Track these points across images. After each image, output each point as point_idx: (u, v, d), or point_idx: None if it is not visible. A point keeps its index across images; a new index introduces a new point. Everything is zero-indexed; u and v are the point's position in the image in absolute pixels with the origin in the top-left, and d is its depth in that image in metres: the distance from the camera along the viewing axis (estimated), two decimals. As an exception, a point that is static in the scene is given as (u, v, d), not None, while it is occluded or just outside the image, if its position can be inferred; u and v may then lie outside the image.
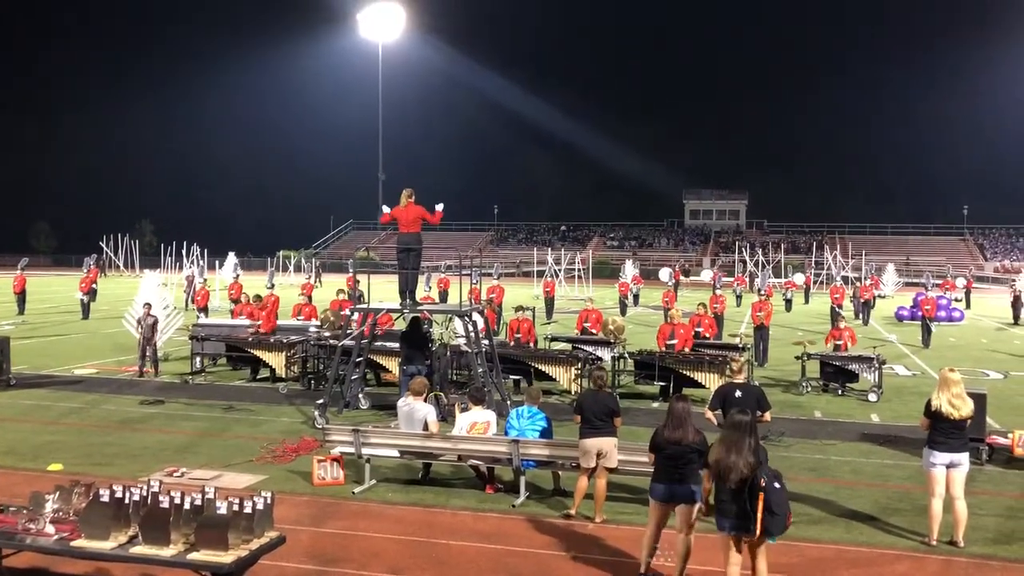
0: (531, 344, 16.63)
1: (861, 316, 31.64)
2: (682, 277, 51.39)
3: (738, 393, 9.18)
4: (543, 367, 15.51)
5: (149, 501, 6.10)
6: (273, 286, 22.61)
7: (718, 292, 25.23)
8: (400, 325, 15.61)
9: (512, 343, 16.58)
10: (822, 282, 52.64)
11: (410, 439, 9.86)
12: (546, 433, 9.71)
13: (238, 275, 33.67)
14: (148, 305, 18.04)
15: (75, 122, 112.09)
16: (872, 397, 15.52)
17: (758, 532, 6.30)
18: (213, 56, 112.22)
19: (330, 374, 14.12)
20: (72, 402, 14.71)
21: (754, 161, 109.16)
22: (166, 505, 5.97)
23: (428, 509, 9.17)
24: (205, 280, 31.25)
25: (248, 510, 6.03)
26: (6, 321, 28.02)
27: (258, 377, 17.09)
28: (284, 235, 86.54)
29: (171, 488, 6.41)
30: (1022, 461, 10.98)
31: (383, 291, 19.02)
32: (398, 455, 10.04)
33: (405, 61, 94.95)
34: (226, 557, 5.76)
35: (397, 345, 14.63)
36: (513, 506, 9.23)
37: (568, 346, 17.16)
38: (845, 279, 42.18)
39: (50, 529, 6.19)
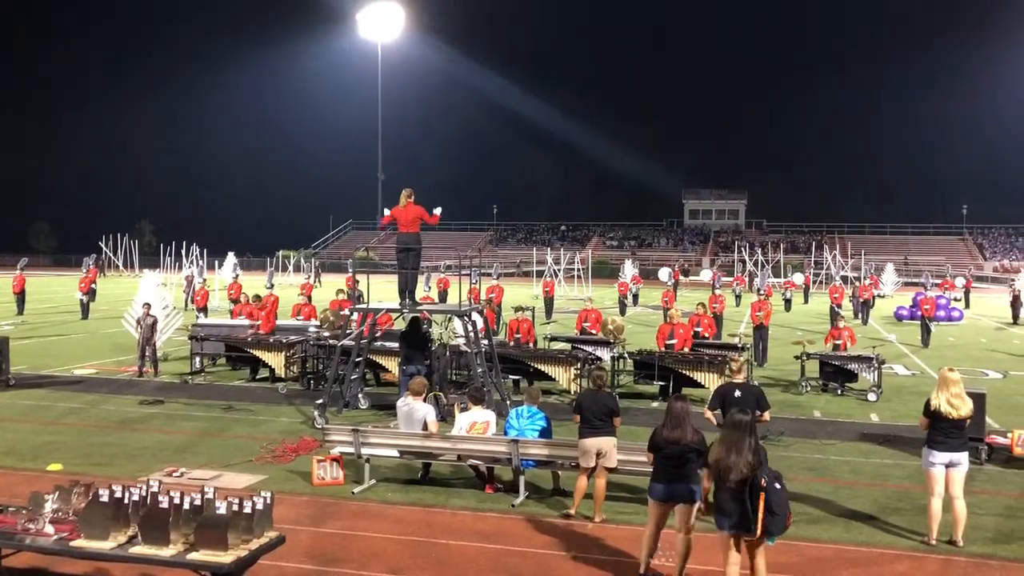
0: (531, 344, 16.63)
1: (860, 316, 31.65)
2: (681, 277, 51.42)
3: (737, 393, 9.19)
4: (542, 367, 15.51)
5: (148, 501, 6.10)
6: (272, 286, 22.60)
7: (717, 292, 25.23)
8: (399, 325, 15.61)
9: (512, 343, 16.58)
10: (821, 282, 52.64)
11: (409, 439, 9.86)
12: (545, 433, 9.71)
13: (237, 275, 33.65)
14: (147, 305, 18.03)
15: (75, 122, 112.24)
16: (871, 397, 15.53)
17: (759, 532, 6.30)
18: (213, 56, 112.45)
19: (329, 374, 14.12)
20: (71, 402, 14.71)
21: (753, 161, 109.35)
22: (165, 505, 5.97)
23: (428, 509, 9.17)
24: (204, 280, 31.24)
25: (248, 510, 6.03)
26: (5, 321, 28.01)
27: (257, 377, 17.09)
28: (283, 235, 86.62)
29: (171, 488, 6.41)
30: (1021, 461, 10.99)
31: (382, 291, 19.02)
32: (398, 455, 10.05)
33: (404, 61, 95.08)
34: (226, 557, 5.76)
35: (396, 345, 14.63)
36: (513, 506, 9.23)
37: (567, 346, 17.16)
38: (844, 279, 42.20)
39: (49, 529, 6.19)
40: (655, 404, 14.74)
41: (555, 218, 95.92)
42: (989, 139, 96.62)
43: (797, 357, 16.53)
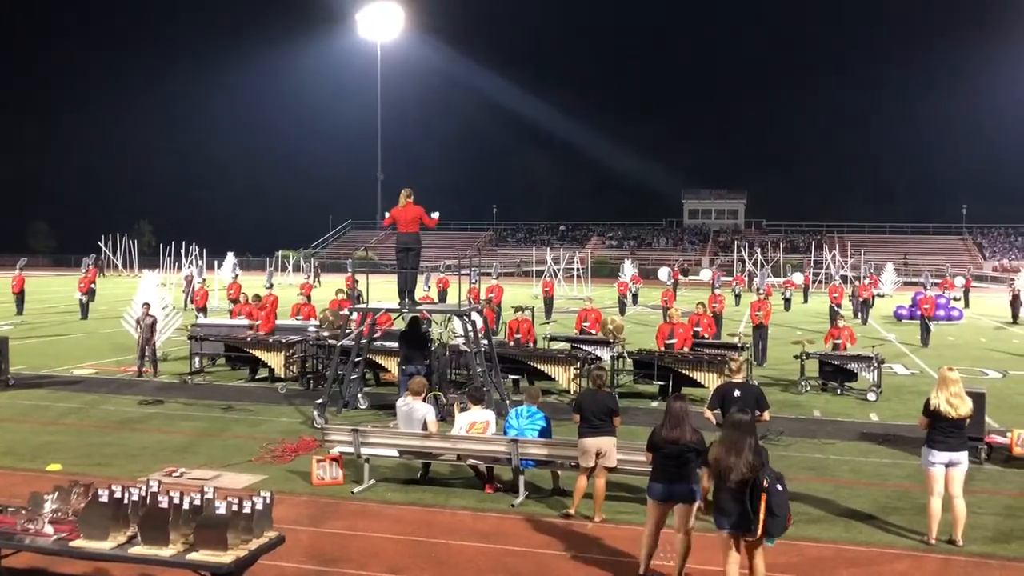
0: (530, 344, 16.62)
1: (860, 315, 31.65)
2: (681, 276, 51.42)
3: (737, 392, 9.18)
4: (542, 367, 15.51)
5: (148, 501, 6.09)
6: (272, 286, 22.59)
7: (717, 291, 25.22)
8: (399, 325, 15.61)
9: (511, 343, 16.58)
10: (821, 281, 52.65)
11: (409, 439, 9.86)
12: (545, 433, 9.70)
13: (237, 275, 33.66)
14: (147, 305, 18.03)
15: (75, 122, 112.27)
16: (871, 396, 15.53)
17: (759, 533, 6.30)
18: (213, 56, 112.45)
19: (329, 374, 14.12)
20: (71, 402, 14.71)
21: (753, 161, 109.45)
22: (165, 505, 5.97)
23: (427, 509, 9.17)
24: (204, 280, 31.23)
25: (247, 510, 6.02)
26: (5, 321, 28.00)
27: (257, 377, 17.09)
28: (283, 235, 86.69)
29: (170, 488, 6.41)
30: (1021, 460, 10.99)
31: (382, 291, 19.02)
32: (397, 455, 10.04)
33: (404, 61, 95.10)
34: (225, 557, 5.76)
35: (396, 345, 14.62)
36: (512, 505, 9.23)
37: (567, 346, 17.16)
38: (844, 278, 42.19)
39: (49, 529, 6.19)
40: (655, 404, 14.73)
41: (554, 218, 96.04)
42: (989, 139, 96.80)
43: (797, 356, 16.53)
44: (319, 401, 13.10)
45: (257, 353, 16.73)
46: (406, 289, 13.57)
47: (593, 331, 17.69)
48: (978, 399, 10.38)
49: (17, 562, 6.77)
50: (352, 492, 9.61)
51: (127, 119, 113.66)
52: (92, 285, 31.16)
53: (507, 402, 13.05)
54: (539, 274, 48.28)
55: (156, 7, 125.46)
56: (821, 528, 8.64)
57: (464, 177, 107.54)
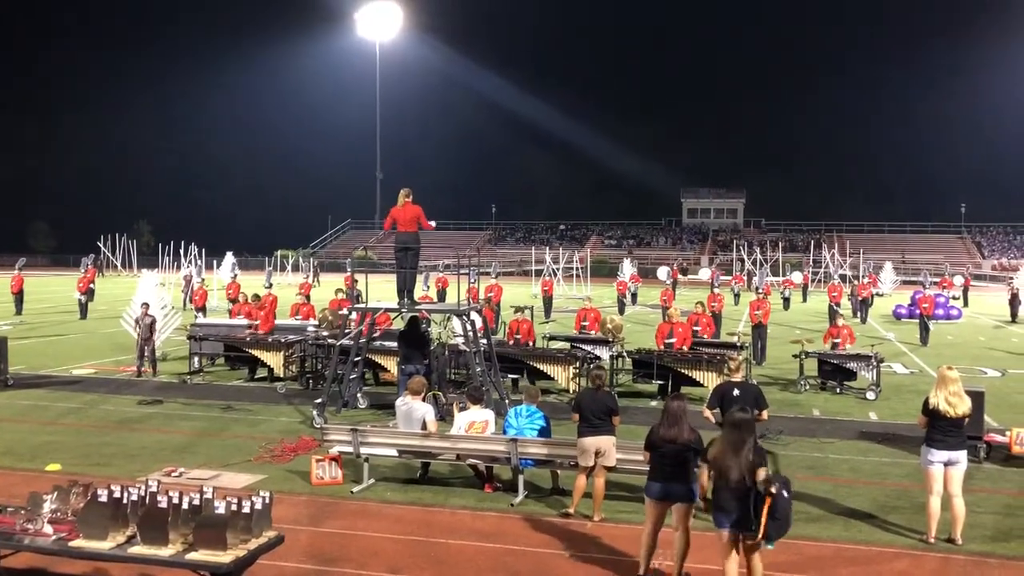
0: (530, 344, 16.62)
1: (859, 314, 31.65)
2: (680, 276, 51.42)
3: (736, 392, 9.19)
4: (541, 366, 15.52)
5: (147, 501, 6.09)
6: (271, 285, 22.58)
7: (716, 291, 25.21)
8: (398, 324, 15.61)
9: (511, 343, 16.57)
10: (820, 280, 52.65)
11: (408, 438, 9.86)
12: (544, 432, 9.70)
13: (236, 275, 33.67)
14: (146, 305, 18.03)
15: (75, 122, 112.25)
16: (870, 395, 15.53)
17: (760, 536, 6.30)
18: (212, 56, 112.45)
19: (328, 374, 14.12)
20: (70, 402, 14.70)
21: (753, 161, 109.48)
22: (164, 505, 5.97)
23: (427, 508, 9.17)
24: (203, 280, 31.25)
25: (246, 510, 6.02)
26: (4, 321, 27.99)
27: (256, 377, 17.08)
28: (282, 234, 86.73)
29: (169, 488, 6.41)
30: (1020, 459, 10.99)
31: (381, 290, 19.02)
32: (396, 454, 10.04)
33: (403, 60, 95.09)
34: (224, 557, 5.76)
35: (395, 344, 14.62)
36: (512, 505, 9.23)
37: (566, 345, 17.16)
38: (843, 277, 42.17)
39: (48, 529, 6.18)
40: (654, 403, 14.74)
41: (554, 217, 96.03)
42: (988, 138, 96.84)
43: (796, 356, 16.54)
44: (318, 401, 13.10)
45: (256, 353, 16.72)
46: (405, 289, 13.57)
47: (592, 330, 17.70)
48: (977, 398, 10.39)
49: (16, 562, 6.77)
50: (351, 492, 9.61)
51: (127, 119, 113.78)
52: (91, 285, 31.16)
53: (506, 401, 13.05)
54: (538, 273, 48.29)
55: (156, 7, 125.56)
56: (820, 527, 8.65)
57: (463, 176, 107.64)
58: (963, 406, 8.17)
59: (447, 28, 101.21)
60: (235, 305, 21.79)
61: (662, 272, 44.56)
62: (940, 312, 30.59)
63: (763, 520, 6.23)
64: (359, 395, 14.35)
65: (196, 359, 17.67)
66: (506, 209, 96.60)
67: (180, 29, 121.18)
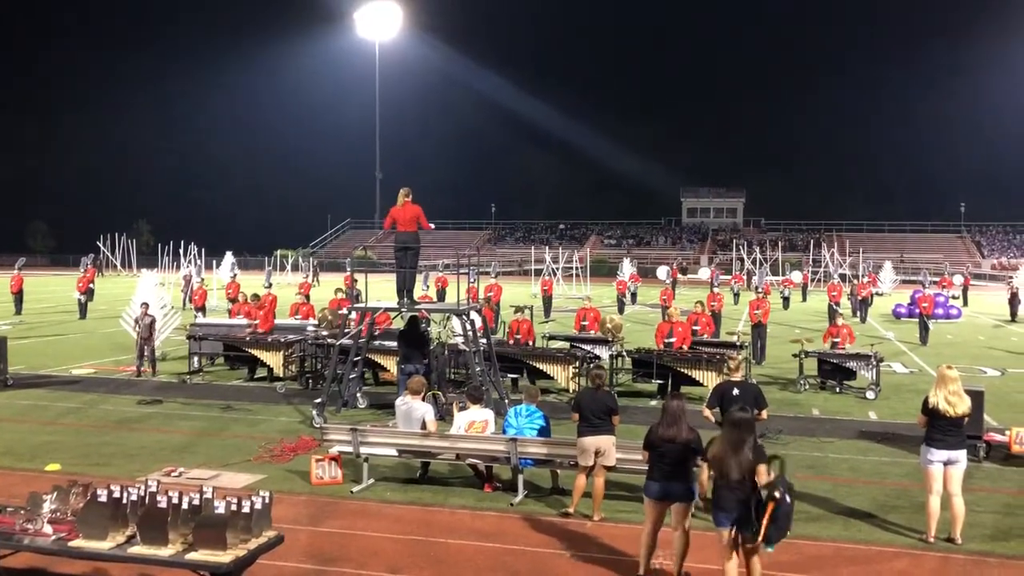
0: (529, 343, 16.62)
1: (859, 314, 31.66)
2: (680, 275, 51.42)
3: (736, 391, 9.18)
4: (541, 365, 15.51)
5: (147, 501, 6.09)
6: (271, 285, 22.58)
7: (716, 290, 25.22)
8: (398, 324, 15.60)
9: (511, 343, 16.57)
10: (819, 280, 52.66)
11: (408, 438, 9.86)
12: (544, 431, 9.70)
13: (235, 274, 33.68)
14: (145, 305, 18.03)
15: (75, 122, 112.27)
16: (870, 395, 15.53)
17: (760, 539, 6.30)
18: (212, 56, 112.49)
19: (328, 373, 14.12)
20: (70, 402, 14.70)
21: (753, 160, 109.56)
22: (164, 505, 5.97)
23: (426, 508, 9.17)
24: (203, 279, 31.23)
25: (246, 510, 6.02)
26: (3, 321, 27.99)
27: (256, 376, 17.07)
28: (281, 234, 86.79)
29: (169, 488, 6.41)
30: (1019, 458, 10.99)
31: (381, 290, 19.02)
32: (396, 454, 10.04)
33: (402, 60, 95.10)
34: (224, 557, 5.76)
35: (395, 344, 14.62)
36: (511, 504, 9.23)
37: (566, 344, 17.16)
38: (843, 277, 42.20)
39: (48, 529, 6.18)
40: (653, 402, 14.73)
41: (553, 217, 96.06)
42: (987, 138, 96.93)
43: (796, 355, 16.54)
44: (318, 400, 13.10)
45: (256, 352, 16.72)
46: (405, 288, 13.57)
47: (592, 330, 17.70)
48: (977, 397, 10.40)
49: (16, 562, 6.77)
50: (351, 491, 9.61)
51: (127, 119, 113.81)
52: (91, 285, 31.15)
53: (506, 401, 13.05)
54: (538, 273, 48.29)
55: (156, 7, 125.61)
56: (820, 526, 8.65)
57: (463, 176, 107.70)
58: (963, 405, 8.17)
59: (447, 27, 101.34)
60: (235, 305, 21.79)
61: (662, 271, 44.56)
62: (940, 311, 30.59)
63: (764, 524, 6.23)
64: (359, 395, 14.35)
65: (196, 359, 17.67)
66: (506, 209, 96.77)
67: (180, 29, 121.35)
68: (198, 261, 41.01)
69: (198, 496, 6.07)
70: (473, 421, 9.93)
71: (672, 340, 15.60)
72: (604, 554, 7.88)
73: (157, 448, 11.52)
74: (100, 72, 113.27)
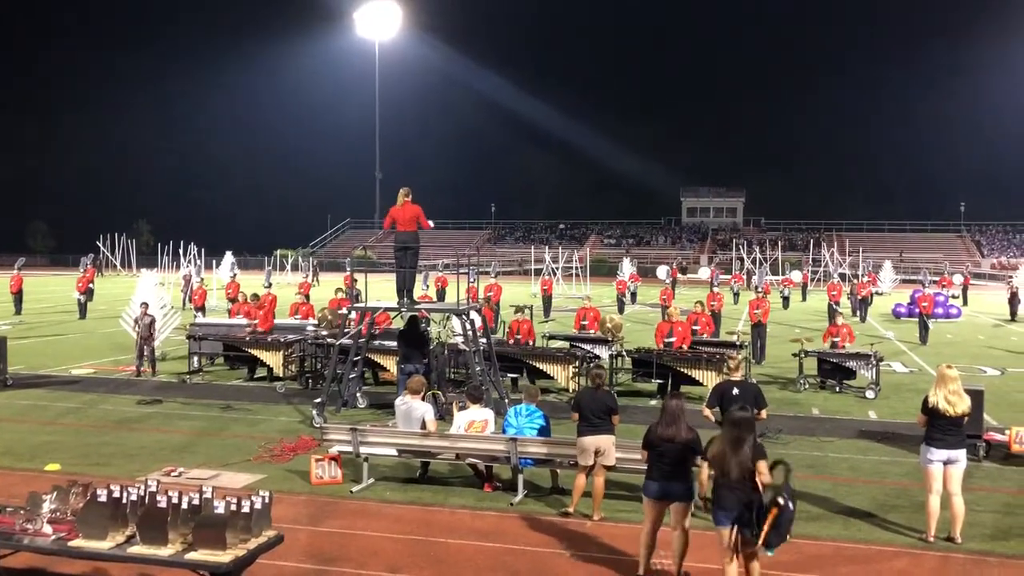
0: (530, 343, 16.62)
1: (858, 313, 31.67)
2: (679, 275, 51.44)
3: (735, 391, 9.19)
4: (541, 365, 15.51)
5: (147, 501, 6.09)
6: (270, 285, 22.58)
7: (716, 290, 25.22)
8: (398, 324, 15.59)
9: (511, 343, 16.57)
10: (819, 279, 52.67)
11: (408, 438, 9.85)
12: (544, 431, 9.70)
13: (235, 274, 33.67)
14: (145, 304, 18.02)
15: (75, 122, 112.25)
16: (869, 394, 15.53)
17: (760, 543, 6.30)
18: (212, 56, 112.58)
19: (328, 373, 14.12)
20: (69, 402, 14.70)
21: (753, 160, 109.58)
22: (164, 505, 5.97)
23: (426, 508, 9.17)
24: (202, 279, 31.23)
25: (246, 509, 6.02)
26: (3, 321, 27.98)
27: (255, 376, 17.07)
28: (281, 234, 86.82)
29: (169, 488, 6.41)
30: (1019, 457, 11.00)
31: (380, 290, 19.02)
32: (396, 454, 10.04)
33: (402, 60, 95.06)
34: (224, 557, 5.75)
35: (395, 344, 14.62)
36: (511, 504, 9.23)
37: (566, 344, 17.16)
38: (842, 276, 42.21)
39: (47, 529, 6.18)
40: (653, 402, 14.73)
41: (553, 216, 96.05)
42: (987, 138, 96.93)
43: (795, 355, 16.54)
44: (318, 400, 13.10)
45: (256, 352, 16.71)
46: (404, 288, 13.56)
47: (592, 330, 17.70)
48: (976, 396, 10.41)
49: (16, 562, 6.77)
50: (351, 491, 9.61)
51: (127, 119, 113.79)
52: (90, 285, 31.15)
53: (506, 401, 13.05)
54: (538, 273, 48.29)
55: (156, 7, 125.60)
56: (820, 526, 8.65)
57: (462, 176, 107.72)
58: (962, 405, 8.17)
59: (446, 27, 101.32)
60: (234, 304, 21.78)
61: (661, 271, 44.57)
62: (939, 311, 30.60)
63: (765, 530, 6.23)
64: (358, 394, 14.35)
65: (195, 359, 17.66)
66: (505, 208, 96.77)
67: (180, 29, 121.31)
68: (198, 261, 41.00)
69: (198, 496, 6.07)
70: (473, 421, 9.93)
71: (672, 340, 15.59)
72: (604, 554, 7.88)
73: (157, 448, 11.52)
74: (100, 72, 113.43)
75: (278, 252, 69.82)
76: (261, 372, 17.03)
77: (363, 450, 9.76)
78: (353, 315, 14.87)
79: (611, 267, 58.98)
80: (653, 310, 33.29)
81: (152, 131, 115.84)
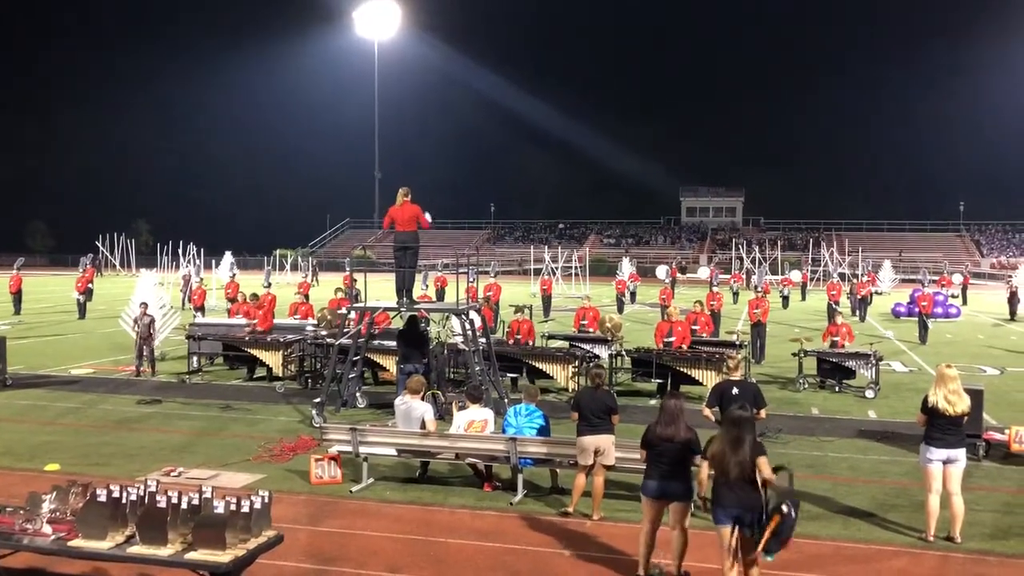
0: (529, 343, 16.62)
1: (858, 313, 31.68)
2: (679, 274, 51.45)
3: (735, 390, 9.18)
4: (540, 365, 15.51)
5: (146, 501, 6.09)
6: (270, 285, 22.58)
7: (715, 289, 25.22)
8: (397, 323, 15.59)
9: (511, 343, 16.56)
10: (819, 279, 52.68)
11: (408, 437, 9.85)
12: (544, 431, 9.71)
13: (234, 274, 33.67)
14: (144, 304, 18.02)
15: (75, 122, 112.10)
16: (869, 393, 15.54)
17: (760, 548, 6.29)
18: (212, 56, 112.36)
19: (327, 373, 14.12)
20: (69, 402, 14.69)
21: (752, 160, 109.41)
22: (163, 505, 5.97)
23: (426, 507, 9.16)
24: (202, 279, 31.23)
25: (245, 509, 6.02)
26: (2, 321, 27.97)
27: (255, 376, 17.07)
28: (281, 234, 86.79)
29: (168, 488, 6.40)
30: (1019, 457, 11.00)
31: (380, 289, 19.02)
32: (396, 454, 10.04)
33: (401, 59, 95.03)
34: (224, 556, 5.75)
35: (394, 344, 14.62)
36: (511, 504, 9.23)
37: (565, 344, 17.16)
38: (842, 276, 42.22)
39: (47, 529, 6.18)
40: (653, 402, 14.73)
41: (552, 216, 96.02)
42: (987, 138, 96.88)
43: (795, 354, 16.54)
44: (317, 400, 13.10)
45: (255, 352, 16.71)
46: (404, 288, 13.56)
47: (591, 329, 17.69)
48: (976, 396, 10.41)
49: (15, 562, 6.77)
50: (351, 491, 9.61)
51: (127, 119, 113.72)
52: (89, 285, 31.14)
53: (505, 400, 13.04)
54: (537, 272, 48.29)
55: (156, 7, 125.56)
56: (820, 525, 8.65)
57: (462, 175, 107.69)
58: (962, 404, 8.17)
59: (446, 27, 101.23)
60: (234, 304, 21.78)
61: (661, 271, 44.58)
62: (939, 310, 30.61)
63: (766, 536, 6.23)
64: (358, 394, 14.34)
65: (195, 359, 17.65)
66: (505, 208, 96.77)
67: (180, 29, 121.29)
68: (197, 261, 40.99)
69: (197, 496, 6.07)
70: (472, 420, 9.93)
71: (671, 339, 15.59)
72: (604, 553, 7.88)
73: (156, 448, 11.52)
74: (100, 72, 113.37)
75: (277, 252, 69.81)
76: (260, 372, 17.02)
77: (363, 450, 9.76)
78: (352, 315, 14.86)
79: (610, 267, 58.95)
80: (652, 310, 33.29)
81: (152, 131, 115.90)
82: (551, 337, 18.44)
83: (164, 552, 5.85)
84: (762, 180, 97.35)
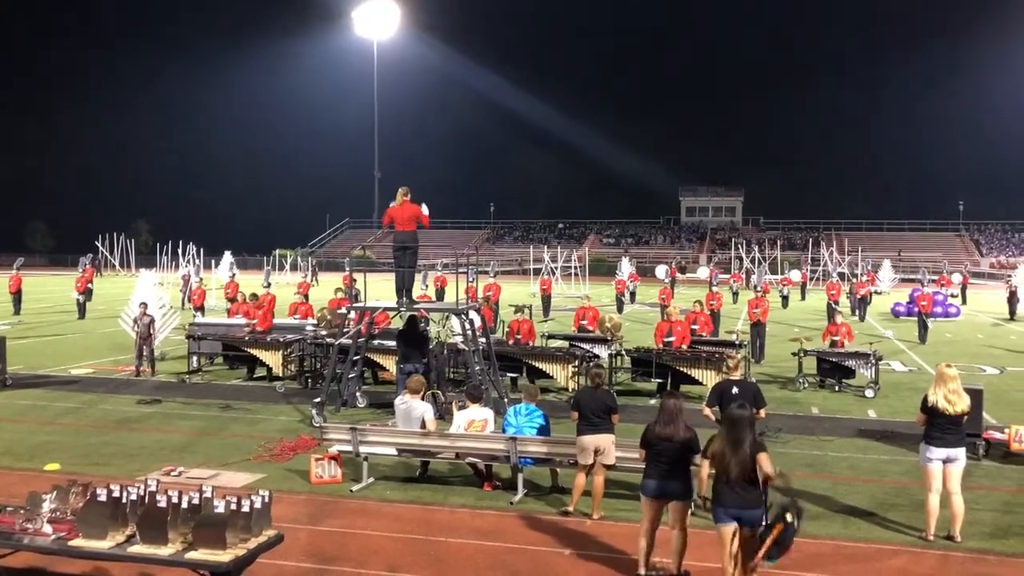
0: (529, 343, 16.62)
1: (858, 312, 31.68)
2: (678, 274, 51.45)
3: (735, 390, 9.18)
4: (540, 364, 15.51)
5: (147, 500, 6.09)
6: (270, 285, 22.58)
7: (715, 289, 25.21)
8: (397, 323, 15.59)
9: (511, 343, 16.57)
10: (818, 278, 52.67)
11: (408, 437, 9.86)
12: (544, 430, 9.71)
13: (234, 274, 33.67)
14: (144, 304, 18.03)
15: (75, 122, 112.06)
16: (869, 393, 15.54)
17: (761, 555, 6.29)
18: (211, 56, 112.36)
19: (327, 373, 14.12)
20: (69, 402, 14.69)
21: (752, 160, 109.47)
22: (164, 504, 5.97)
23: (426, 507, 9.17)
24: (201, 279, 31.22)
25: (246, 509, 6.02)
26: (2, 321, 27.97)
27: (255, 376, 17.07)
28: (280, 234, 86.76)
29: (168, 487, 6.40)
30: (1018, 456, 11.01)
31: (380, 289, 19.01)
32: (396, 453, 10.04)
33: (400, 59, 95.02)
34: (224, 556, 5.75)
35: (394, 343, 14.62)
36: (511, 503, 9.23)
37: (565, 344, 17.16)
38: (841, 275, 42.23)
39: (47, 529, 6.18)
40: (653, 401, 14.74)
41: (552, 216, 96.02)
42: (986, 138, 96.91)
43: (795, 354, 16.55)
44: (317, 400, 13.10)
45: (255, 352, 16.71)
46: (404, 288, 13.56)
47: (591, 329, 17.69)
48: (976, 395, 10.42)
49: (15, 561, 6.77)
50: (351, 490, 9.61)
51: (127, 119, 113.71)
52: (89, 285, 31.13)
53: (505, 400, 13.05)
54: (537, 272, 48.30)
55: (156, 7, 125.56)
56: (819, 524, 8.65)
57: (461, 175, 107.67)
58: (962, 404, 8.18)
59: (445, 26, 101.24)
60: (233, 304, 21.77)
61: (660, 270, 44.60)
62: (939, 310, 30.62)
63: (767, 544, 6.23)
64: (358, 394, 14.35)
65: (195, 358, 17.65)
66: (505, 208, 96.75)
67: (180, 29, 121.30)
68: (197, 261, 40.99)
69: (198, 495, 6.07)
70: (472, 420, 9.93)
71: (671, 339, 15.60)
72: (604, 552, 7.88)
73: (156, 448, 11.52)
74: (100, 72, 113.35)
75: (277, 252, 69.83)
76: (260, 372, 17.03)
77: (363, 449, 9.76)
78: (352, 315, 14.86)
79: (610, 266, 58.95)
80: (652, 309, 33.29)
81: (152, 131, 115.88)
82: (551, 337, 18.45)
83: (164, 552, 5.85)
84: (762, 180, 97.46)
